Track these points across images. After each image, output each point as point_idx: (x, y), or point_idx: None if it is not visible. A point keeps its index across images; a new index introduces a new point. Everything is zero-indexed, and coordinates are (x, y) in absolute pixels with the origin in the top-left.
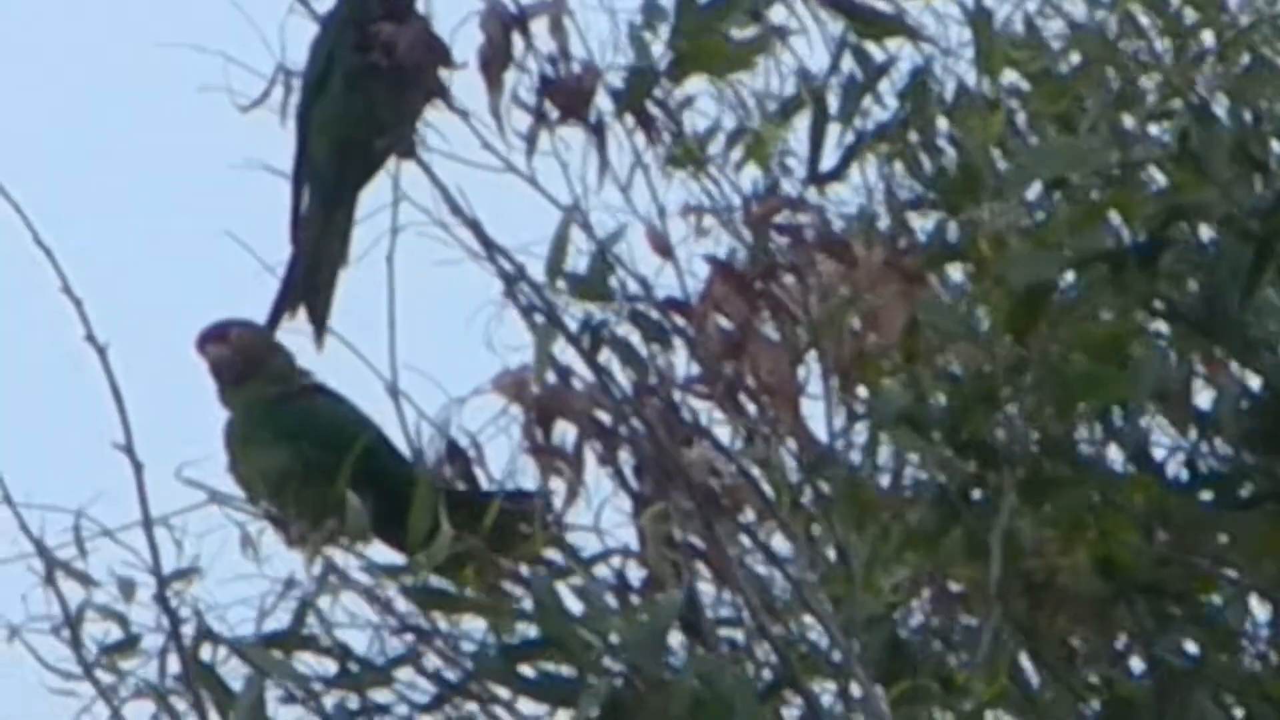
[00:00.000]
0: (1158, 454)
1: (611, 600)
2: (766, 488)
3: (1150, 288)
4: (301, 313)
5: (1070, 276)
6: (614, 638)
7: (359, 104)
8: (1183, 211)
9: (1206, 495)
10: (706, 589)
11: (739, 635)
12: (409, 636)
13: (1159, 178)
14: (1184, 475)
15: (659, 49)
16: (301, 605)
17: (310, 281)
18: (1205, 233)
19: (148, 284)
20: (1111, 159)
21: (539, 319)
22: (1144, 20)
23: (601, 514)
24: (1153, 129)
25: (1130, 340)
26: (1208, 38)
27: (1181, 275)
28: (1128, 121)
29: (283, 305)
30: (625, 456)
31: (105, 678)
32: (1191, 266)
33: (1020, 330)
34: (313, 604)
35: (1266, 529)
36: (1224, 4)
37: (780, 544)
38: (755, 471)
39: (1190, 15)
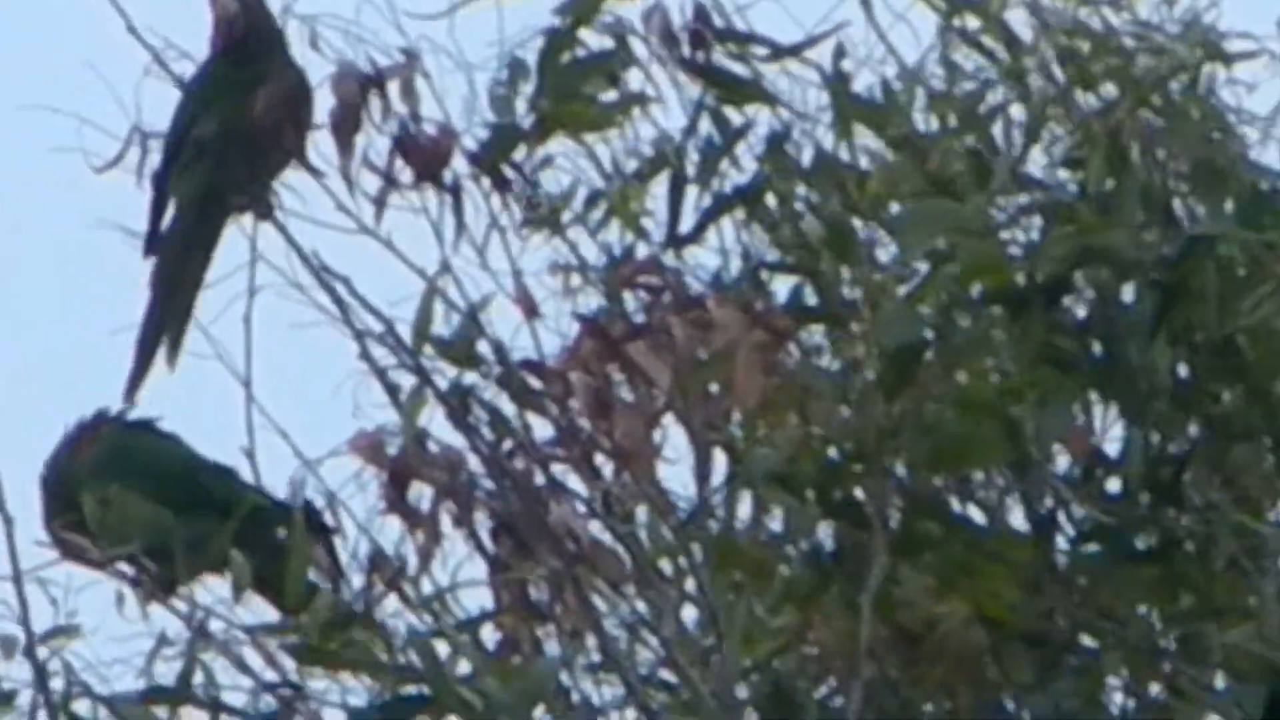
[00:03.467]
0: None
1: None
2: (630, 549)
3: (1048, 336)
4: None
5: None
6: (497, 696)
7: (217, 164)
8: (1091, 254)
9: (1078, 551)
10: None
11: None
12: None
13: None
14: (1062, 533)
15: (521, 107)
16: (188, 662)
17: (167, 308)
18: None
19: (6, 339)
20: (989, 221)
21: (403, 380)
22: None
23: (456, 575)
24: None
25: (1013, 400)
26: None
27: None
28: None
29: (148, 350)
30: (481, 518)
31: None
32: (1091, 314)
33: (893, 390)
34: (199, 660)
35: (1143, 586)
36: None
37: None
38: (619, 533)
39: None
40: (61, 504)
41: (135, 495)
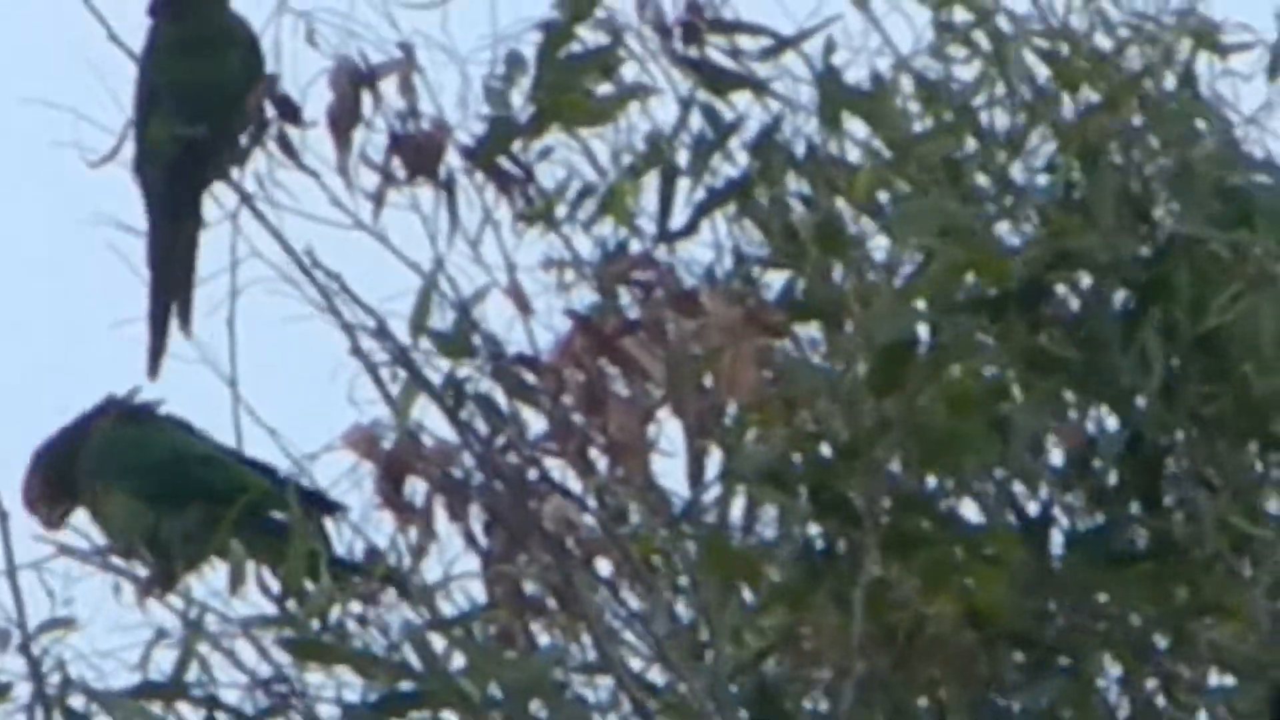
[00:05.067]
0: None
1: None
2: (623, 545)
3: (1031, 337)
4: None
5: (936, 330)
6: (492, 690)
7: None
8: (1066, 258)
9: (1068, 551)
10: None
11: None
12: (279, 687)
13: (1016, 238)
14: (1055, 531)
15: (517, 100)
16: (183, 655)
17: (169, 279)
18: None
19: (3, 334)
20: (973, 219)
21: (395, 375)
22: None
23: (452, 570)
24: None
25: (1001, 397)
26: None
27: (1056, 325)
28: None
29: (160, 324)
30: (475, 513)
31: None
32: (1067, 316)
33: (884, 387)
34: (193, 654)
35: (1136, 584)
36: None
37: (637, 600)
38: (611, 529)
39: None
40: (55, 490)
41: (120, 492)
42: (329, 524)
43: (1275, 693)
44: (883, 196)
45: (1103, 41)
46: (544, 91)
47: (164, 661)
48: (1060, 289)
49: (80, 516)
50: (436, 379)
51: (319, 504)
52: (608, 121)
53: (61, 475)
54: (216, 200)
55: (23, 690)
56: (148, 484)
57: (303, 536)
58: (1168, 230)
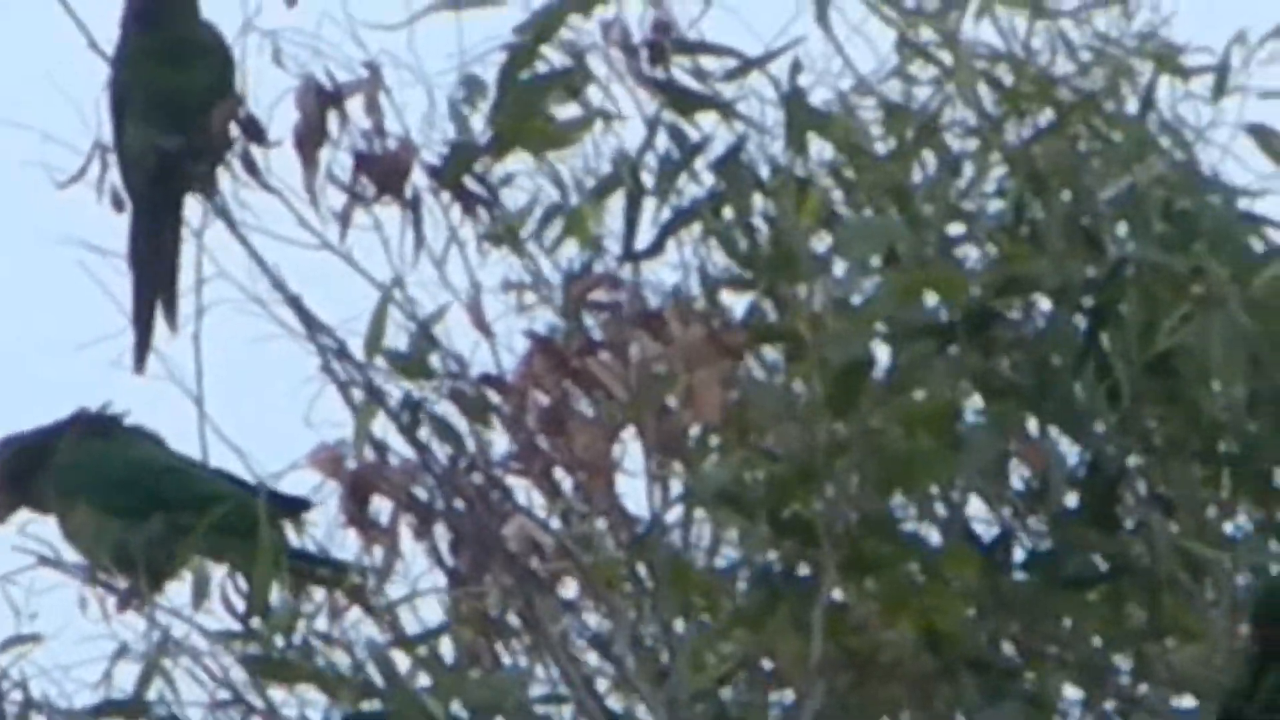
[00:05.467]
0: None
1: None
2: (586, 565)
3: (982, 361)
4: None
5: (891, 354)
6: (455, 709)
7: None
8: (1016, 283)
9: (1024, 574)
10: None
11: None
12: (235, 707)
13: (975, 256)
14: (1014, 554)
15: (479, 123)
16: (145, 671)
17: (152, 277)
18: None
19: None
20: (927, 238)
21: (358, 395)
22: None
23: (416, 587)
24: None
25: (955, 417)
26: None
27: (1010, 349)
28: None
29: (145, 321)
30: (441, 532)
31: None
32: (1021, 340)
33: (840, 408)
34: (157, 670)
35: (1094, 608)
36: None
37: (600, 623)
38: (575, 549)
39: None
40: (6, 485)
41: (85, 506)
42: (295, 523)
43: (1223, 710)
44: (847, 217)
45: (1065, 64)
46: (504, 115)
47: (127, 677)
48: (1014, 314)
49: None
50: (398, 399)
51: (286, 505)
52: (568, 146)
53: (17, 474)
54: (184, 218)
55: None
56: (112, 497)
57: (269, 548)
58: (1117, 254)
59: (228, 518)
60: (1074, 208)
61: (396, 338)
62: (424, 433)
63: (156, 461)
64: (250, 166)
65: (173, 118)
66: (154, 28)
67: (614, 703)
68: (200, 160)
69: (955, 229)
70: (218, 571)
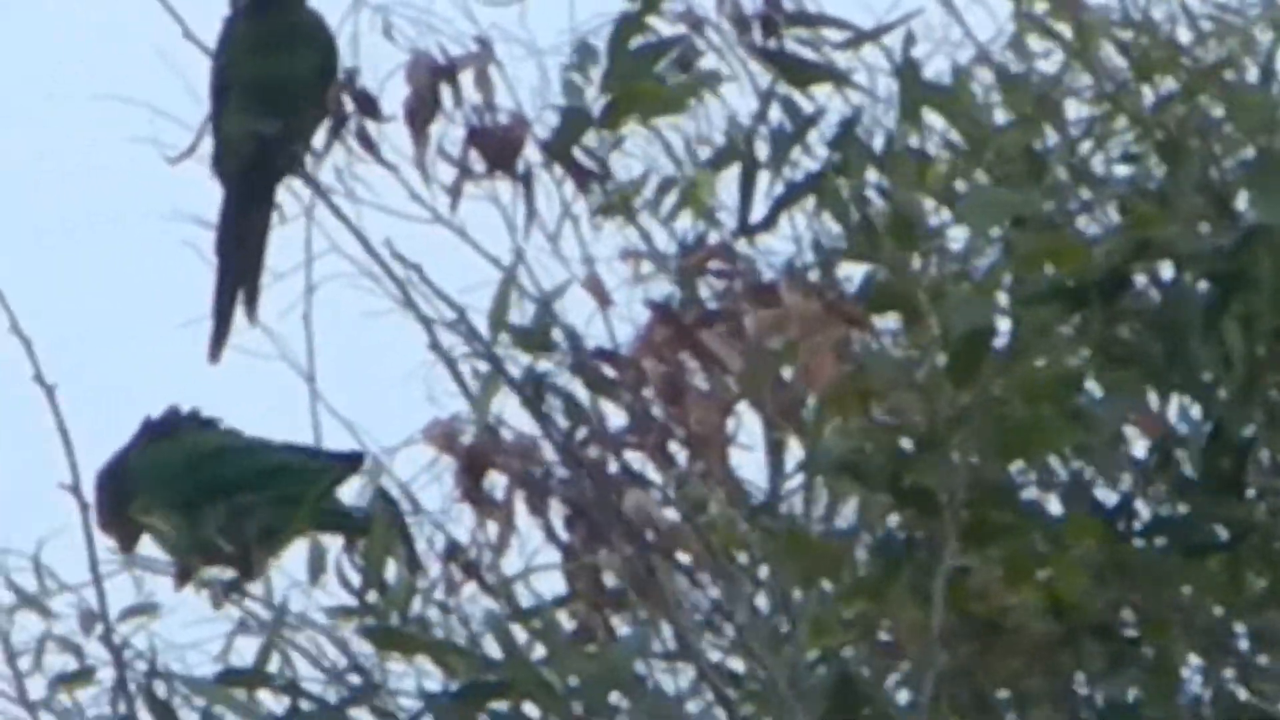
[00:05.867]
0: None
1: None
2: (705, 535)
3: (1110, 327)
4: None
5: (1011, 322)
6: (573, 680)
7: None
8: (1146, 248)
9: (1153, 541)
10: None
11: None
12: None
13: (1095, 228)
14: (1135, 521)
15: (591, 93)
16: (265, 645)
17: (237, 266)
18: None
19: (93, 325)
20: (1045, 207)
21: (474, 369)
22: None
23: (532, 563)
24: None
25: (1077, 386)
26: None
27: (1133, 316)
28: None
29: (225, 311)
30: (555, 506)
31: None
32: (1144, 308)
33: (962, 377)
34: (275, 643)
35: (1216, 576)
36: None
37: (718, 593)
38: (692, 520)
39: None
40: (112, 517)
41: (158, 508)
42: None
43: None
44: (962, 188)
45: (1184, 33)
46: (616, 80)
47: (245, 654)
48: (1140, 280)
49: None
50: (515, 373)
51: (342, 461)
52: (681, 109)
53: (114, 503)
54: (293, 194)
55: (106, 676)
56: (172, 492)
57: (382, 524)
58: (1249, 220)
59: (287, 490)
60: (1203, 173)
61: (515, 311)
62: (546, 406)
63: (209, 446)
64: (365, 141)
65: (273, 105)
66: (261, 15)
67: (733, 667)
68: (299, 147)
69: (1078, 198)
70: (334, 546)
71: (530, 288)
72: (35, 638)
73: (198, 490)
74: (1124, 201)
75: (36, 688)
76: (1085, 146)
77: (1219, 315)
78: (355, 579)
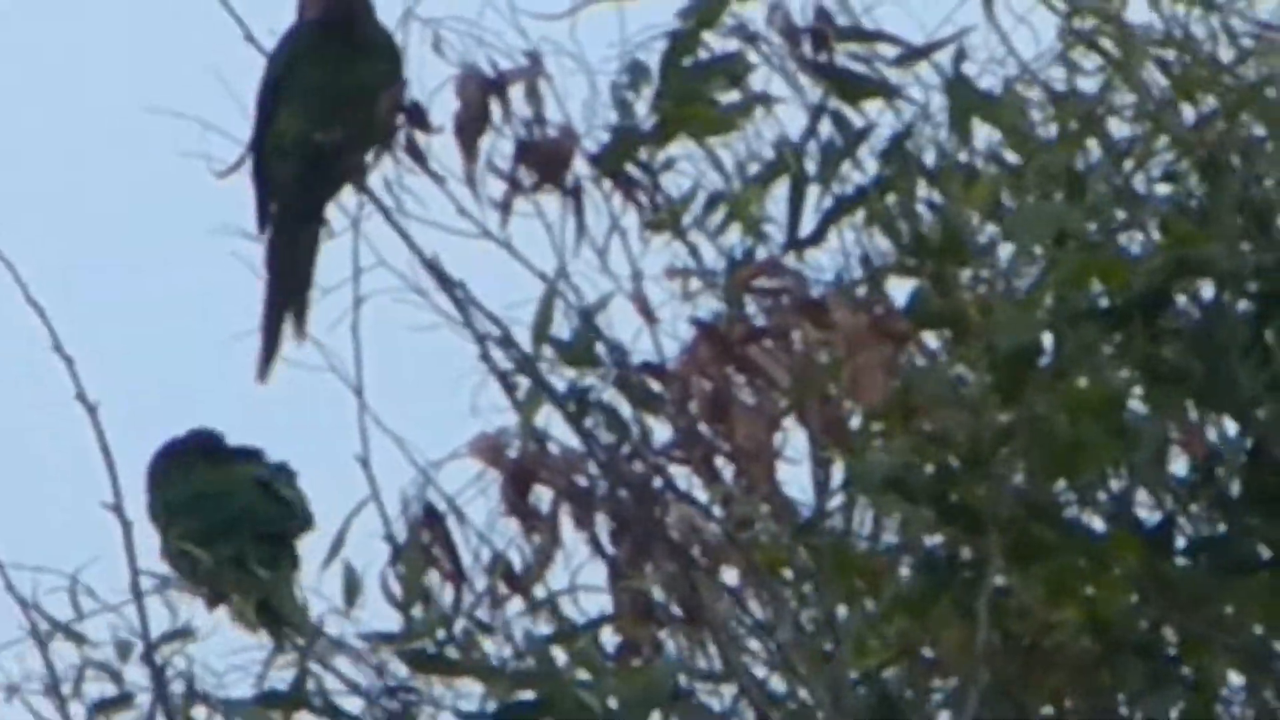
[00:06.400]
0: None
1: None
2: (749, 551)
3: (1153, 346)
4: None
5: (1055, 340)
6: (612, 702)
7: (314, 124)
8: (1187, 266)
9: (1195, 560)
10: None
11: (721, 698)
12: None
13: (1136, 246)
14: (1177, 540)
15: (642, 109)
16: (302, 669)
17: (286, 285)
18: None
19: (136, 343)
20: (1090, 226)
21: (521, 383)
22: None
23: (577, 577)
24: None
25: (1121, 405)
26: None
27: (1175, 335)
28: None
29: (274, 329)
30: (601, 521)
31: None
32: (1186, 326)
33: (1008, 394)
34: (311, 667)
35: (1258, 595)
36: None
37: (762, 610)
38: (737, 535)
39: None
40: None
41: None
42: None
43: None
44: (1009, 204)
45: (1225, 52)
46: (668, 100)
47: (282, 680)
48: (1181, 299)
49: None
50: (562, 387)
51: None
52: (732, 131)
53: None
54: (340, 208)
55: (144, 700)
56: (167, 540)
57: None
58: None
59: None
60: (1244, 192)
61: (559, 326)
62: (590, 421)
63: (187, 494)
64: (415, 153)
65: (337, 116)
66: (334, 24)
67: (775, 685)
68: (356, 155)
69: (1123, 213)
70: (374, 567)
71: (576, 302)
72: (74, 664)
73: (193, 536)
74: (1165, 220)
75: (76, 713)
76: (1128, 164)
77: (1260, 334)
78: (397, 591)
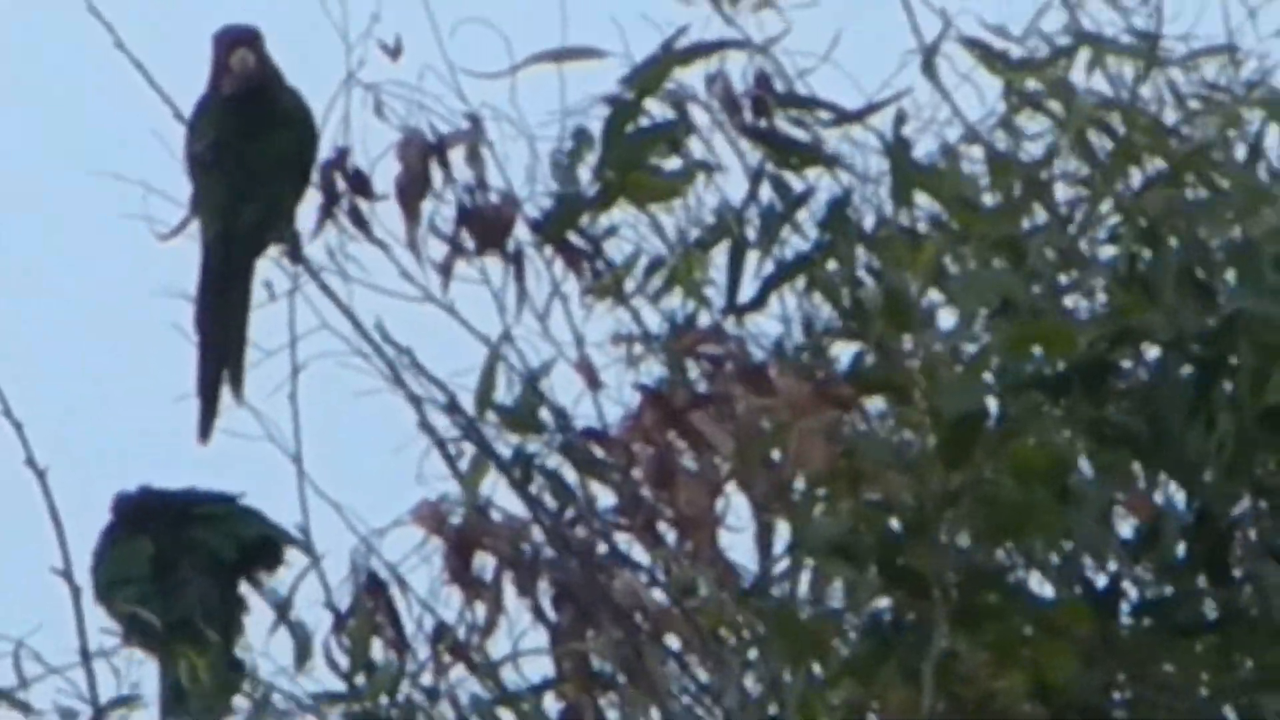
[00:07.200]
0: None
1: None
2: (693, 617)
3: (1098, 409)
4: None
5: (999, 404)
6: None
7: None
8: (1129, 333)
9: (1141, 621)
10: None
11: None
12: None
13: (1085, 306)
14: (1123, 602)
15: (584, 175)
16: None
17: (219, 344)
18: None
19: (83, 406)
20: (1033, 290)
21: (461, 450)
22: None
23: (520, 644)
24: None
25: (1067, 468)
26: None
27: (1120, 398)
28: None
29: (210, 389)
30: (544, 588)
31: None
32: (1131, 390)
33: (953, 459)
34: None
35: (1204, 657)
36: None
37: (707, 675)
38: (680, 603)
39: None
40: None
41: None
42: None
43: None
44: (953, 269)
45: (1171, 113)
46: (611, 168)
47: None
48: (1126, 363)
49: None
50: (507, 453)
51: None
52: (674, 198)
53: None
54: (282, 272)
55: None
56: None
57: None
58: (1229, 306)
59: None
60: (1186, 257)
61: (503, 391)
62: (534, 487)
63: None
64: (358, 220)
65: (252, 186)
66: (242, 98)
67: None
68: (280, 223)
69: (1066, 278)
70: (320, 631)
71: (520, 367)
72: None
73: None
74: (1107, 287)
75: None
76: (1072, 228)
77: (1204, 399)
78: (343, 661)
